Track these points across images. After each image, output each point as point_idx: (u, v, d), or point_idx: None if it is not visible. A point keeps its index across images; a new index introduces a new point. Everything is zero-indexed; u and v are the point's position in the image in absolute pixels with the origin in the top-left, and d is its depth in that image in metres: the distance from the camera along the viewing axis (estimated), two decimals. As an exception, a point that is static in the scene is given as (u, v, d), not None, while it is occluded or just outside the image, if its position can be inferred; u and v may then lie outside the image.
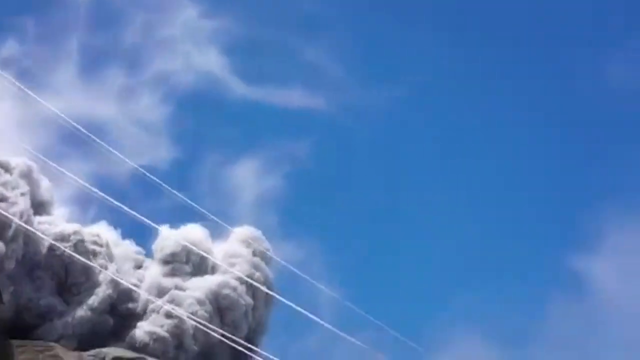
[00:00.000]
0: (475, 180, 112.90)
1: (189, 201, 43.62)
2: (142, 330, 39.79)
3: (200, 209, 45.49)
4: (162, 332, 40.21)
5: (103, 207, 44.78)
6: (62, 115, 44.33)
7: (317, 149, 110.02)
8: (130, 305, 40.71)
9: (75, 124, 43.04)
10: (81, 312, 36.92)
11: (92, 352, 31.05)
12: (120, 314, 40.03)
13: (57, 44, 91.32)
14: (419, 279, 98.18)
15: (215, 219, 45.30)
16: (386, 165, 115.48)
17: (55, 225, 41.78)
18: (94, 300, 37.93)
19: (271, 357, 38.37)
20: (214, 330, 40.11)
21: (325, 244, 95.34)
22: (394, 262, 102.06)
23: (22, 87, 40.57)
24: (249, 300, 47.06)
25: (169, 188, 44.27)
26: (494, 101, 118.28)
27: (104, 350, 31.29)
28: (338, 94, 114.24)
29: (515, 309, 76.09)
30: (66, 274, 39.19)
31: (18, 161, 42.08)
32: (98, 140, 42.25)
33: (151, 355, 37.93)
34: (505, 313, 75.39)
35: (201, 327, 41.89)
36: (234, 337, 40.16)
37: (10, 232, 36.77)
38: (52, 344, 31.64)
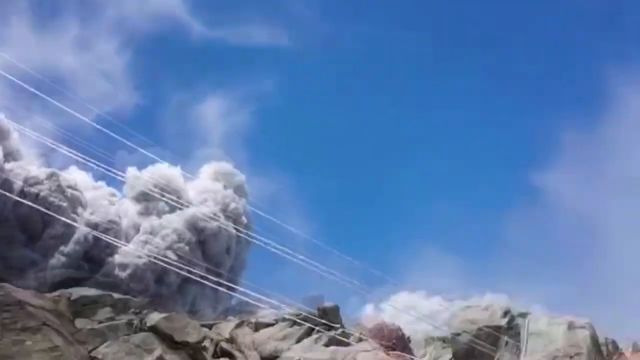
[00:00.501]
0: (441, 102, 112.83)
1: (147, 139, 43.64)
2: (115, 263, 40.54)
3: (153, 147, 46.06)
4: (138, 262, 40.88)
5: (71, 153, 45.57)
6: (21, 65, 44.22)
7: (282, 85, 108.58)
8: (107, 250, 41.38)
9: (34, 73, 42.92)
10: (54, 260, 37.40)
11: (56, 292, 30.15)
12: (97, 259, 40.46)
13: None
14: (385, 203, 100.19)
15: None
16: (352, 98, 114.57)
17: (28, 171, 41.95)
18: (68, 248, 38.29)
19: (251, 292, 39.18)
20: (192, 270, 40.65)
21: (294, 178, 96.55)
22: (360, 189, 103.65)
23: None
24: (231, 231, 47.88)
25: (128, 128, 44.56)
26: (457, 29, 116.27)
27: (69, 290, 30.02)
28: (301, 30, 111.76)
29: (476, 222, 79.52)
30: (43, 224, 39.67)
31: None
32: (59, 87, 42.18)
33: (131, 293, 38.47)
34: (468, 227, 78.73)
35: (181, 259, 42.65)
36: (210, 276, 40.67)
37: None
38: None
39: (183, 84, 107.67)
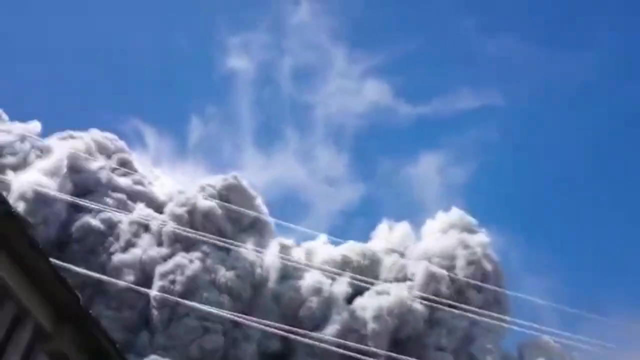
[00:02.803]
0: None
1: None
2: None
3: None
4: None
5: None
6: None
7: (499, 140, 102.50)
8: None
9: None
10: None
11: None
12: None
13: (232, 120, 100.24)
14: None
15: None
16: (571, 146, 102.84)
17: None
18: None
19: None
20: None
21: (521, 233, 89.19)
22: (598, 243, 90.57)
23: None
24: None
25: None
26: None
27: None
28: (512, 84, 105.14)
29: None
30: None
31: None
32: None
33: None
34: None
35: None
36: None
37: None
38: None
39: (399, 161, 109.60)
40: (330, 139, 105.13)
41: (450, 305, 42.43)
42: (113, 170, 48.20)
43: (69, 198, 36.64)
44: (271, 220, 47.58)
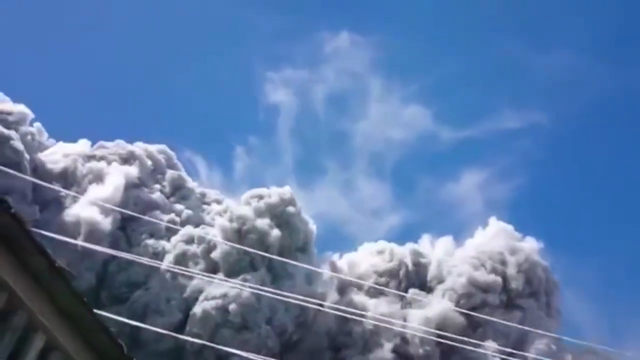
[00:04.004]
0: None
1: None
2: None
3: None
4: None
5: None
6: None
7: (539, 161, 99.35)
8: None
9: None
10: None
11: None
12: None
13: (274, 153, 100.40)
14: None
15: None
16: (624, 164, 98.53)
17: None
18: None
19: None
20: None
21: (565, 250, 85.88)
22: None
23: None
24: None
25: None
26: None
27: None
28: (557, 103, 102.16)
29: None
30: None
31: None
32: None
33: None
34: None
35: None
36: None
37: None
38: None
39: (441, 184, 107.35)
40: (371, 167, 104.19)
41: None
42: (168, 197, 48.60)
43: (113, 252, 36.70)
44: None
